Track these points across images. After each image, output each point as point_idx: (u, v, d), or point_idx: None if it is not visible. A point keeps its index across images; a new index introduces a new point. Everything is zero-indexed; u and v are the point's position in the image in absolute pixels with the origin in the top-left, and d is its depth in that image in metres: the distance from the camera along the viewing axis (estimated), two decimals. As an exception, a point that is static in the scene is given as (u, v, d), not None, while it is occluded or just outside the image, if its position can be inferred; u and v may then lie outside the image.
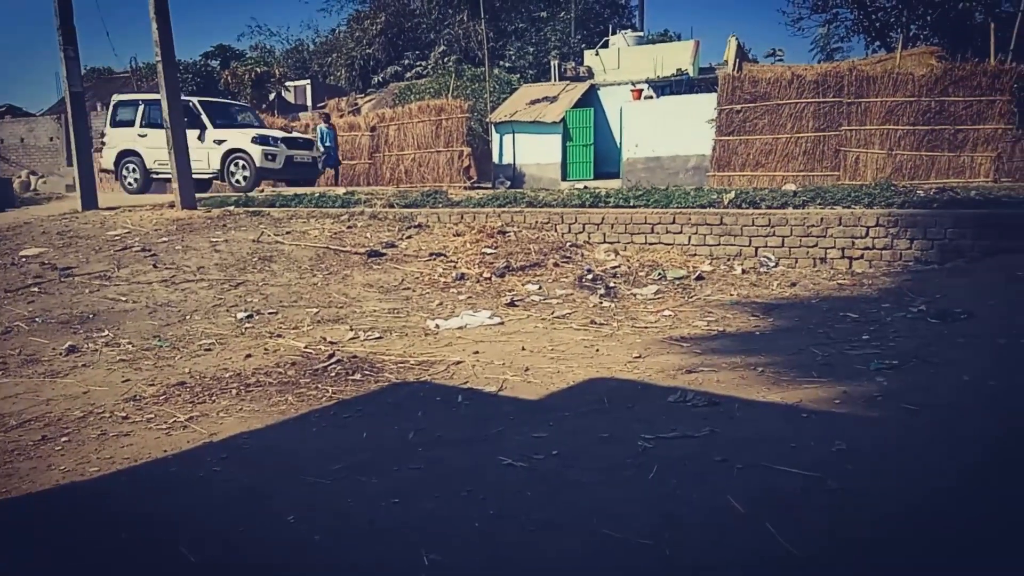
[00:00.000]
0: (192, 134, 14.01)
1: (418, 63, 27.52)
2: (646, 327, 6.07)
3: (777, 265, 8.42)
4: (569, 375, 4.63)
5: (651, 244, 9.07)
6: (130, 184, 14.89)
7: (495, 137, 18.83)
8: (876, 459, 3.02)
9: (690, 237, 8.92)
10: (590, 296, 7.28)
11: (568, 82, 20.26)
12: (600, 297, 7.23)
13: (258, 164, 13.77)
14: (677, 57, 19.94)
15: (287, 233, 9.47)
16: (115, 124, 15.10)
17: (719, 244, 8.77)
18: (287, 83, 27.15)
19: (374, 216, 10.30)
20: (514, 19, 27.64)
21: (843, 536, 2.45)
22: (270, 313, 6.66)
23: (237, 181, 13.98)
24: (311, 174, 15.44)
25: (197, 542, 2.62)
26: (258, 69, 25.38)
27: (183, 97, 15.25)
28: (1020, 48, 14.99)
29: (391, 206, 10.74)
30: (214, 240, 9.04)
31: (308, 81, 28.67)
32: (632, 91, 18.12)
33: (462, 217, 10.02)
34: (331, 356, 5.12)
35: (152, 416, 4.09)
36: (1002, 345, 4.70)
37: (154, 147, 14.26)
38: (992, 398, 3.73)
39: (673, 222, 9.01)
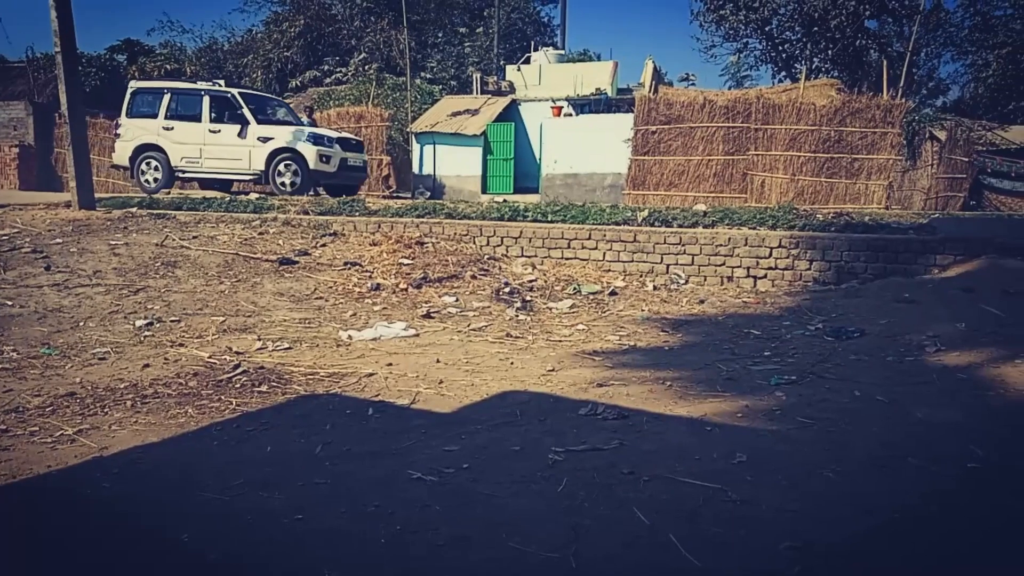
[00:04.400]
0: (231, 130, 13.00)
1: (338, 69, 27.00)
2: (560, 341, 6.14)
3: (687, 282, 8.69)
4: (483, 388, 4.62)
5: (567, 259, 9.20)
6: (149, 182, 13.48)
7: (416, 147, 18.72)
8: (773, 470, 3.15)
9: (605, 253, 9.10)
10: (507, 309, 7.30)
11: (490, 96, 20.38)
12: (516, 310, 7.26)
13: (311, 166, 12.55)
14: (597, 76, 20.41)
15: (194, 238, 9.08)
16: (133, 115, 13.63)
17: (632, 261, 8.99)
18: (199, 82, 26.10)
19: (287, 223, 10.02)
20: (434, 31, 27.59)
21: (740, 546, 2.53)
22: (172, 321, 6.36)
23: (283, 185, 12.69)
24: (359, 180, 14.35)
25: (81, 564, 2.45)
26: (168, 66, 24.38)
27: (224, 88, 14.15)
28: (909, 85, 16.16)
29: (306, 213, 10.48)
30: (113, 243, 8.57)
31: (222, 81, 27.64)
32: (552, 108, 18.40)
33: (379, 226, 9.89)
34: (237, 367, 4.93)
35: (36, 429, 3.82)
36: (889, 362, 5.02)
37: (182, 142, 13.16)
38: (878, 411, 3.96)
39: (589, 238, 9.18)
